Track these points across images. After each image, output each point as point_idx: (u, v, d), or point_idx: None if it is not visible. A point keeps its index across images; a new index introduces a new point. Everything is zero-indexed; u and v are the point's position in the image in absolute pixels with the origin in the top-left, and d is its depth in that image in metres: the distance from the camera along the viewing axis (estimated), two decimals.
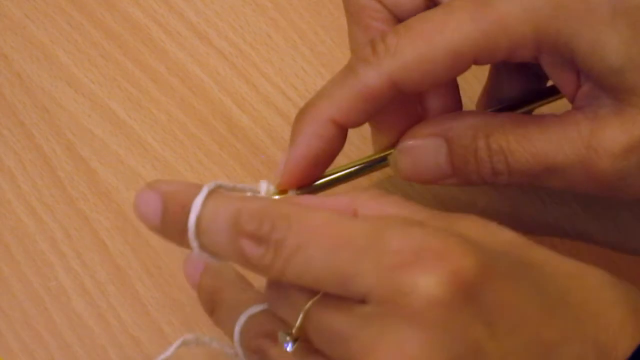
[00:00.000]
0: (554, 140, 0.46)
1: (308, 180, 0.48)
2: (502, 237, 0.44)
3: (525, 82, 0.51)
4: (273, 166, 0.59)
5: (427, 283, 0.40)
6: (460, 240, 0.41)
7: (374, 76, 0.46)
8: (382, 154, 0.50)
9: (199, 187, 0.44)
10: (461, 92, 0.50)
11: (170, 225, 0.44)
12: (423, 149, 0.48)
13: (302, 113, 0.48)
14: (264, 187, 0.48)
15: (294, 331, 0.43)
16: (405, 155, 0.49)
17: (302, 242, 0.41)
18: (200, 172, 0.59)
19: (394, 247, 0.40)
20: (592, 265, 0.44)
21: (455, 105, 0.50)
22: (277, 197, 0.48)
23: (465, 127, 0.48)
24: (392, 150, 0.49)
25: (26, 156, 0.60)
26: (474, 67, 0.46)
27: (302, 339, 0.43)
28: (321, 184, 0.49)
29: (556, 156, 0.46)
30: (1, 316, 0.55)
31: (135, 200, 0.44)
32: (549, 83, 0.50)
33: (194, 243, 0.43)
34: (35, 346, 0.55)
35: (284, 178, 0.48)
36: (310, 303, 0.42)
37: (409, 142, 0.49)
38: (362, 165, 0.50)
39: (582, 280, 0.43)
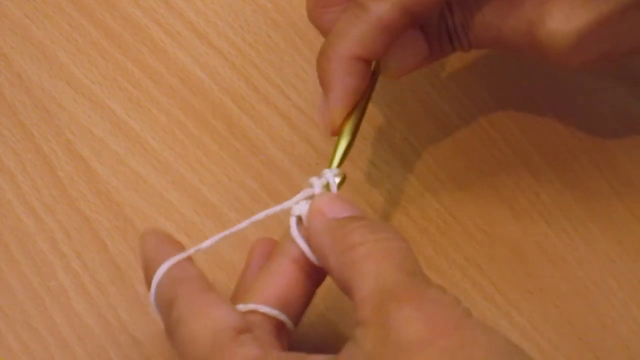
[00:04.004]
0: (501, 15, 0.51)
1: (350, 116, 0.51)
2: None
3: None
4: (273, 166, 0.59)
5: None
6: None
7: (386, 8, 0.49)
8: None
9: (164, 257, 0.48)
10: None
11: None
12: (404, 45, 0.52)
13: (324, 55, 0.51)
14: (317, 183, 0.50)
15: None
16: (392, 56, 0.52)
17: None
18: (200, 172, 0.59)
19: None
20: None
21: None
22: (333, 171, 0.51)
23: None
24: None
25: (26, 156, 0.60)
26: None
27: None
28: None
29: (504, 30, 0.51)
30: (1, 316, 0.55)
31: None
32: None
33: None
34: (35, 346, 0.55)
35: (331, 117, 0.51)
36: None
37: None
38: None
39: None
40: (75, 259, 0.57)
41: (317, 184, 0.50)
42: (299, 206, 0.49)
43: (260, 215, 0.51)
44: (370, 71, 0.52)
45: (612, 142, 0.59)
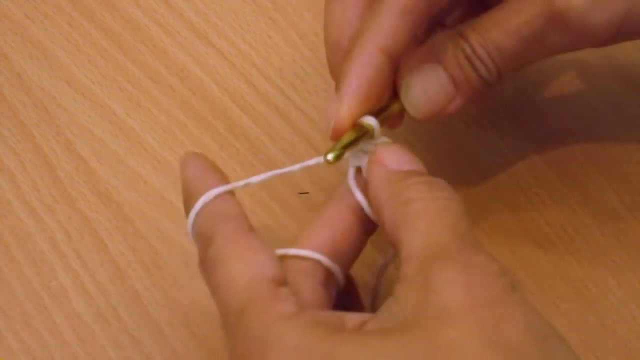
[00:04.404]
0: (515, 10, 0.49)
1: (361, 115, 0.49)
2: None
3: None
4: (273, 166, 0.59)
5: None
6: None
7: None
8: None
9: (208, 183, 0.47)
10: None
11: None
12: (425, 77, 0.50)
13: (348, 50, 0.49)
14: (374, 123, 0.48)
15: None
16: (414, 88, 0.50)
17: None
18: None
19: None
20: None
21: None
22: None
23: (444, 41, 0.50)
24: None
25: (26, 156, 0.60)
26: None
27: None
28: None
29: (525, 23, 0.49)
30: (1, 316, 0.55)
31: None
32: None
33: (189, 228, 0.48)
34: (35, 346, 0.55)
35: (342, 113, 0.48)
36: None
37: (411, 78, 0.50)
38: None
39: None
40: (75, 259, 0.57)
41: (377, 129, 0.48)
42: (358, 157, 0.48)
43: (312, 161, 0.49)
44: (393, 72, 0.50)
45: (612, 142, 0.59)
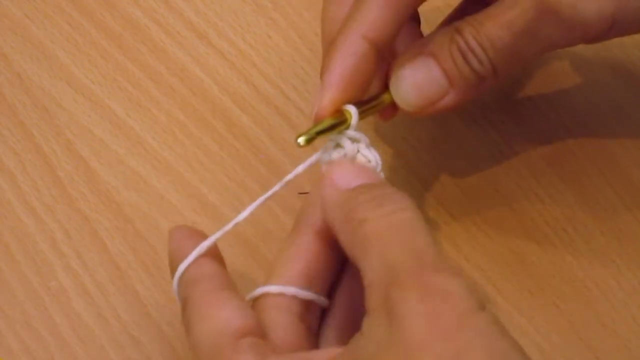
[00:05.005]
0: (509, 5, 0.49)
1: (344, 103, 0.49)
2: None
3: None
4: (273, 166, 0.59)
5: None
6: None
7: None
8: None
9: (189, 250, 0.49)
10: None
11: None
12: (416, 70, 0.50)
13: (333, 40, 0.49)
14: (354, 111, 0.48)
15: None
16: (403, 80, 0.50)
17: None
18: (200, 172, 0.59)
19: None
20: None
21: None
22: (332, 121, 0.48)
23: (440, 36, 0.50)
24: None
25: (26, 156, 0.60)
26: None
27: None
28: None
29: (517, 17, 0.48)
30: (1, 316, 0.55)
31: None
32: None
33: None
34: (35, 346, 0.55)
35: (324, 100, 0.48)
36: None
37: (402, 70, 0.50)
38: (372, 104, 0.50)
39: None
40: (75, 259, 0.57)
41: (354, 118, 0.48)
42: (329, 153, 0.48)
43: (290, 176, 0.50)
44: (377, 61, 0.49)
45: (613, 142, 0.59)
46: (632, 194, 0.57)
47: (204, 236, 0.49)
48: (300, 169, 0.49)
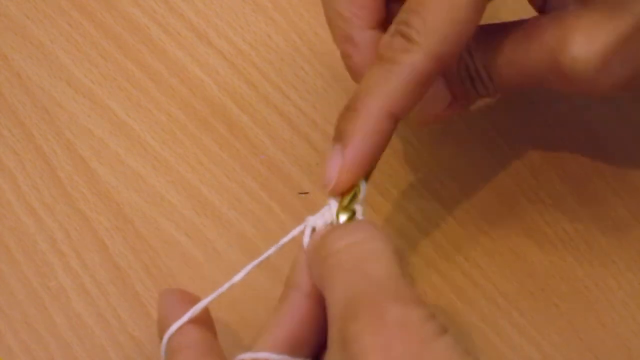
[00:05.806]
0: (522, 49, 0.49)
1: (361, 178, 0.48)
2: None
3: None
4: (273, 166, 0.59)
5: None
6: None
7: (420, 59, 0.46)
8: None
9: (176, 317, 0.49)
10: None
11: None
12: None
13: (353, 111, 0.47)
14: (334, 205, 0.48)
15: None
16: None
17: None
18: (200, 172, 0.59)
19: None
20: None
21: None
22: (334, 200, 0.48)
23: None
24: None
25: (26, 156, 0.60)
26: None
27: None
28: None
29: (527, 64, 0.49)
30: (1, 316, 0.55)
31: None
32: None
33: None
34: (35, 346, 0.55)
35: (342, 178, 0.47)
36: None
37: None
38: None
39: None
40: (75, 259, 0.57)
41: (363, 194, 0.48)
42: (315, 217, 0.48)
43: (285, 239, 0.49)
44: (394, 129, 0.48)
45: (613, 142, 0.59)
46: (632, 194, 0.57)
47: (194, 300, 0.49)
48: (295, 232, 0.49)
